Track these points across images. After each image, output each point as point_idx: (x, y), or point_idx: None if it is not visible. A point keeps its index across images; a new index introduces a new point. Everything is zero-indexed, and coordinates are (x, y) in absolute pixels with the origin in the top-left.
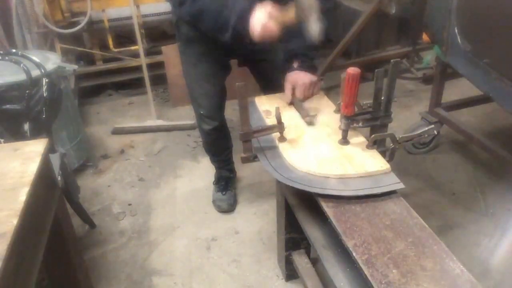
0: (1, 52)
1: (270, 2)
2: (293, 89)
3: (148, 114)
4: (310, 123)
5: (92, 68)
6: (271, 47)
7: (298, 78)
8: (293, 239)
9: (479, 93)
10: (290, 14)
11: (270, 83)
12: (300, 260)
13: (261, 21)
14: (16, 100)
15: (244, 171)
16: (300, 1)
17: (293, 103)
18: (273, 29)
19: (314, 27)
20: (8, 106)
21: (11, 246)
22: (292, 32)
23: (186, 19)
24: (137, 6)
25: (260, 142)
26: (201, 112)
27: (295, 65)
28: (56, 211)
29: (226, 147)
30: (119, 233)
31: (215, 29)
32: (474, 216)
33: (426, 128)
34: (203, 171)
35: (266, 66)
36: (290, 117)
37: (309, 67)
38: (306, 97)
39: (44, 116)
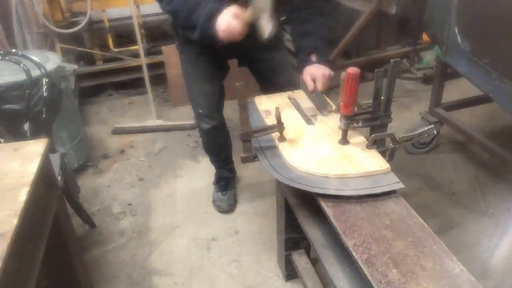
0: (1, 52)
1: (236, 4)
2: (313, 81)
3: (148, 114)
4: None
5: (92, 68)
6: (268, 47)
7: (318, 70)
8: (293, 239)
9: (479, 93)
10: (247, 13)
11: (269, 83)
12: (300, 260)
13: (226, 20)
14: (16, 100)
15: (244, 171)
16: (254, 1)
17: (313, 92)
18: (236, 28)
19: (265, 26)
20: (8, 106)
21: (11, 246)
22: (304, 30)
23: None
24: (137, 6)
25: (260, 142)
26: (200, 112)
27: (313, 58)
28: (56, 211)
29: (225, 147)
30: (119, 233)
31: (186, 27)
32: (474, 216)
33: (426, 128)
34: (203, 171)
35: (264, 66)
36: (290, 117)
37: (326, 61)
38: (326, 89)
39: (44, 116)
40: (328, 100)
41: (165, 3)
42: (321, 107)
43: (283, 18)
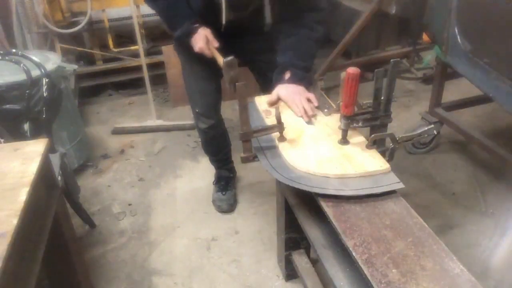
0: (1, 52)
1: (209, 30)
2: (277, 102)
3: (148, 114)
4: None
5: (92, 68)
6: (266, 48)
7: (282, 88)
8: (293, 239)
9: (479, 93)
10: (220, 60)
11: (267, 83)
12: (300, 260)
13: (199, 46)
14: (16, 100)
15: (244, 171)
16: (225, 71)
17: (274, 103)
18: (207, 52)
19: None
20: (8, 106)
21: (11, 246)
22: (287, 43)
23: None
24: (137, 6)
25: (260, 142)
26: (197, 110)
27: (286, 76)
28: (56, 211)
29: (223, 147)
30: (119, 233)
31: (167, 27)
32: (474, 216)
33: (426, 128)
34: (203, 171)
35: (262, 66)
36: (290, 117)
37: (300, 79)
38: (298, 110)
39: (44, 116)
40: (328, 100)
41: (147, 2)
42: (321, 107)
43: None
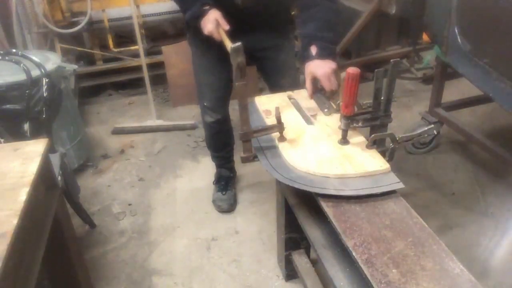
0: (1, 52)
1: (220, 13)
2: (314, 80)
3: (148, 114)
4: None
5: (92, 68)
6: (275, 47)
7: (317, 67)
8: (293, 239)
9: (479, 93)
10: (228, 45)
11: (271, 83)
12: (300, 260)
13: (208, 29)
14: (16, 100)
15: (244, 171)
16: (232, 57)
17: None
18: (216, 36)
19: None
20: (8, 106)
21: (11, 246)
22: (307, 15)
23: None
24: (137, 6)
25: (260, 141)
26: (205, 104)
27: (314, 52)
28: (56, 211)
29: (227, 144)
30: (119, 233)
31: (180, 9)
32: (474, 216)
33: (426, 128)
34: (203, 171)
35: (268, 64)
36: (290, 117)
37: (329, 54)
38: (330, 88)
39: (44, 116)
40: (328, 100)
41: None
42: (321, 107)
43: (294, 13)
